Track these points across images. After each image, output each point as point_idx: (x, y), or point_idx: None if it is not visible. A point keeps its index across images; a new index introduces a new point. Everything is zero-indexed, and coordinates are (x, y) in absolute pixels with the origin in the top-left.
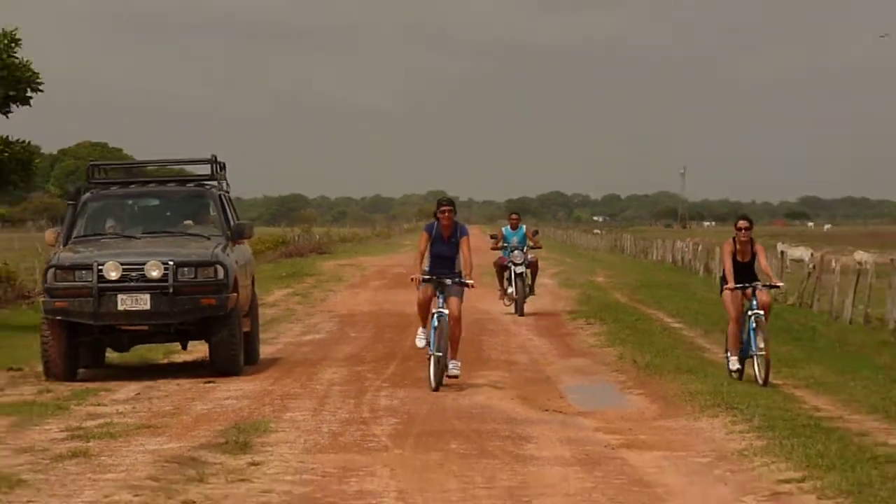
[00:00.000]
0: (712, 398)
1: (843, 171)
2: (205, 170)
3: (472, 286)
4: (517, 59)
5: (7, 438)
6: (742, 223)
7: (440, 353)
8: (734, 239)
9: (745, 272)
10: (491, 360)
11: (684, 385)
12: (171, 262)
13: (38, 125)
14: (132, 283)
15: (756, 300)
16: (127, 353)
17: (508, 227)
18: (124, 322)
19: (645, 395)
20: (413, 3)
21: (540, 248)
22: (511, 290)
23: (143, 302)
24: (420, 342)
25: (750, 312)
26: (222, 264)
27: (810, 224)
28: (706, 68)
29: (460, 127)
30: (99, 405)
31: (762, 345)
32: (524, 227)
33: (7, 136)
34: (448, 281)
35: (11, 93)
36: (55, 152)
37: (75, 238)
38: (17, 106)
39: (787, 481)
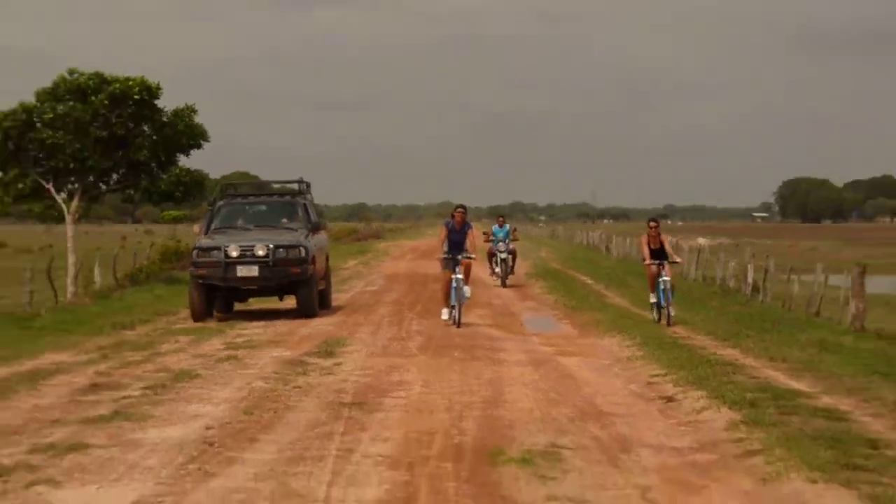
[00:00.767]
0: (611, 326)
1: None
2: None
3: (475, 258)
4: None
5: (188, 349)
6: (652, 223)
7: (454, 305)
8: (647, 233)
9: (657, 254)
10: (479, 305)
11: (594, 317)
12: (271, 245)
13: (207, 160)
14: (246, 259)
15: (665, 271)
16: (245, 304)
17: (496, 225)
18: (242, 284)
19: (570, 324)
20: None
21: (518, 240)
22: (497, 269)
23: (254, 271)
24: (444, 316)
25: (660, 280)
26: (304, 247)
27: (669, 222)
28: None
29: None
30: (243, 331)
31: (670, 300)
32: (508, 225)
33: (189, 168)
34: (459, 257)
35: (192, 142)
36: (218, 177)
37: (212, 230)
38: (195, 150)
39: (656, 375)
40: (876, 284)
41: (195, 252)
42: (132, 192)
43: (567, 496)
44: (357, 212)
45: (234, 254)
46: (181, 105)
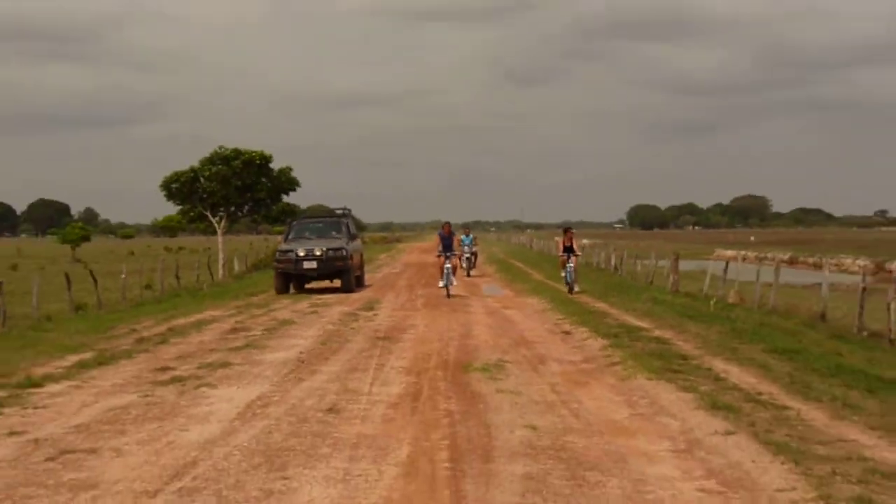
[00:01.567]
0: (532, 291)
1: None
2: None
3: (459, 255)
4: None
5: (289, 307)
6: (568, 231)
7: (446, 283)
8: (564, 237)
9: (568, 249)
10: (457, 283)
11: (523, 287)
12: (324, 248)
13: (299, 197)
14: (309, 257)
15: (571, 260)
16: (310, 285)
17: (464, 234)
18: (306, 272)
19: (510, 290)
20: None
21: (478, 245)
22: (465, 265)
23: (313, 264)
24: (441, 284)
25: (568, 265)
26: (345, 249)
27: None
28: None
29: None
30: (319, 298)
31: (574, 278)
32: (472, 235)
33: (288, 202)
34: (448, 254)
35: (290, 188)
36: (305, 207)
37: (289, 239)
38: (292, 192)
39: (559, 319)
40: (684, 265)
41: (277, 253)
42: (256, 217)
43: (508, 389)
44: (386, 227)
45: (301, 253)
46: (284, 166)
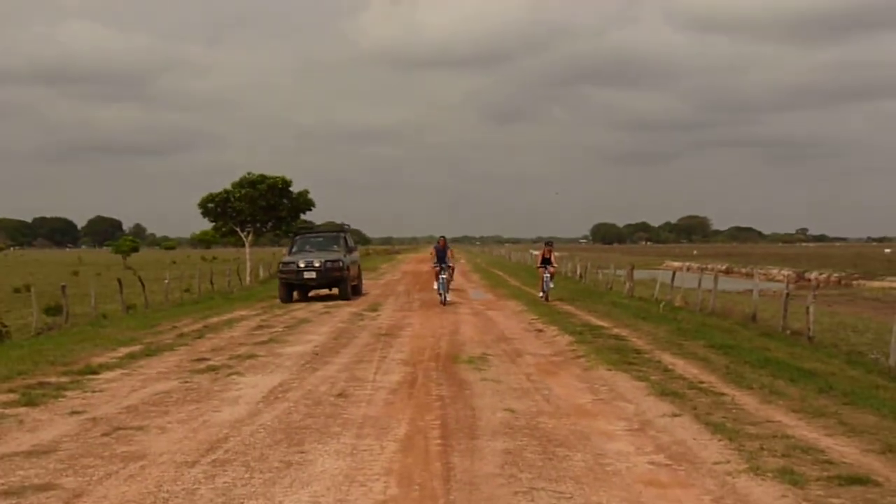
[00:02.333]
0: (511, 295)
1: (553, 224)
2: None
3: (453, 266)
4: None
5: (306, 308)
6: (547, 245)
7: (442, 291)
8: (543, 251)
9: (545, 261)
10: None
11: (503, 291)
12: (324, 260)
13: (314, 216)
14: (309, 268)
15: (548, 271)
16: (311, 294)
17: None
18: (306, 282)
19: (493, 295)
20: None
21: (453, 261)
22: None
23: (313, 274)
24: (435, 287)
25: (546, 275)
26: (342, 261)
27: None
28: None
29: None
30: (331, 301)
31: (551, 286)
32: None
33: (306, 220)
34: (443, 265)
35: (307, 207)
36: (319, 223)
37: (291, 252)
38: (308, 211)
39: (533, 319)
40: (638, 274)
41: (281, 265)
42: (278, 232)
43: (491, 378)
44: (387, 241)
45: (302, 265)
46: (302, 189)
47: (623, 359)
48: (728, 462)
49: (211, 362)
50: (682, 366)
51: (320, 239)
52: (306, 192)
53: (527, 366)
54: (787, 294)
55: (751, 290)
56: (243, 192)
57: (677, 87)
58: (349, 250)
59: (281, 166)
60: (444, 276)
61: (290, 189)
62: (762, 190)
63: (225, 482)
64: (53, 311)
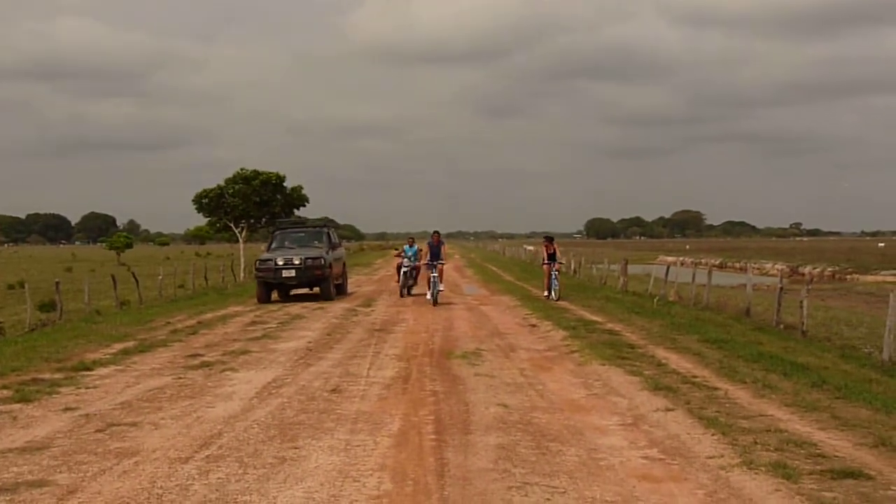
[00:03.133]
0: (505, 290)
1: (545, 219)
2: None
3: (444, 263)
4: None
5: (300, 304)
6: (547, 240)
7: (433, 292)
8: (545, 245)
9: (550, 258)
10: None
11: (496, 287)
12: (304, 257)
13: (307, 211)
14: (288, 265)
15: (554, 268)
16: (290, 294)
17: (407, 245)
18: (285, 281)
19: (487, 290)
20: None
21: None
22: (402, 281)
23: (292, 272)
24: (428, 297)
25: (553, 273)
26: (324, 258)
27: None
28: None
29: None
30: (315, 300)
31: (557, 286)
32: (416, 246)
33: (299, 216)
34: (435, 263)
35: (300, 203)
36: (312, 219)
37: (269, 248)
38: (302, 207)
39: (527, 314)
40: (631, 269)
41: (257, 262)
42: (272, 228)
43: (484, 373)
44: (381, 236)
45: (281, 262)
46: (296, 185)
47: (617, 354)
48: (721, 456)
49: (205, 358)
50: (675, 360)
51: (301, 234)
52: (300, 187)
53: (521, 361)
54: (781, 288)
55: (744, 285)
56: (237, 187)
57: (671, 82)
58: (332, 246)
59: (275, 162)
60: (434, 275)
61: (284, 185)
62: (756, 185)
63: (219, 478)
64: (47, 307)
